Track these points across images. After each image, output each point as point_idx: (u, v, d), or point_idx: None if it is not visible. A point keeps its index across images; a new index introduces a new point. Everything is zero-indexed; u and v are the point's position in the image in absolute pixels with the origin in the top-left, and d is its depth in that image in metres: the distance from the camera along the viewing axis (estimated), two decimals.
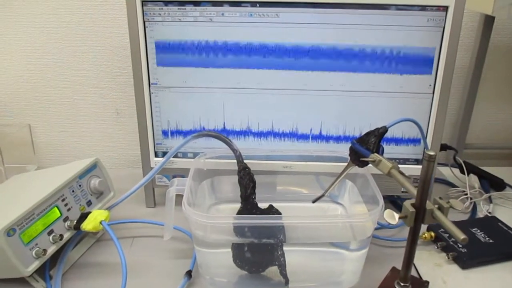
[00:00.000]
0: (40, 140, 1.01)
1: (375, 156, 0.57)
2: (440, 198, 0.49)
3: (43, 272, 0.61)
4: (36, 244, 0.57)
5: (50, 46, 0.92)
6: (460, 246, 0.66)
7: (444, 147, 0.92)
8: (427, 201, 0.49)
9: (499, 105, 1.02)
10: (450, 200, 0.50)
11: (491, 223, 0.73)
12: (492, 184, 0.87)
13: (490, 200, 0.83)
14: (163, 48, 0.70)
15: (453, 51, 0.68)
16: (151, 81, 0.73)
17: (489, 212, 0.79)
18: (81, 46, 0.93)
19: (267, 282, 0.60)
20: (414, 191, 0.51)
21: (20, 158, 0.97)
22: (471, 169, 0.89)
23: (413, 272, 0.56)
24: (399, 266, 0.57)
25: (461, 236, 0.44)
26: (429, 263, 0.65)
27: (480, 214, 0.79)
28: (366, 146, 0.60)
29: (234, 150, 0.67)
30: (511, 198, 0.84)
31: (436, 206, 0.49)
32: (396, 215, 0.49)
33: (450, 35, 0.67)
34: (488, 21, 0.88)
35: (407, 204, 0.50)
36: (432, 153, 0.47)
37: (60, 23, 0.91)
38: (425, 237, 0.69)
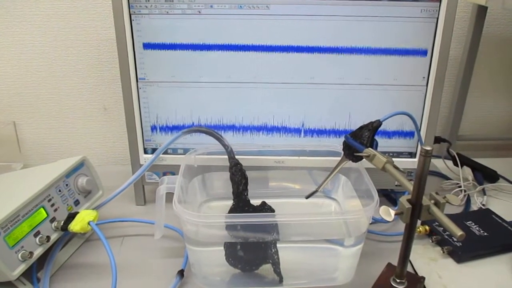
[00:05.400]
0: (25, 137, 0.98)
1: (369, 150, 0.56)
2: (437, 193, 0.48)
3: (30, 274, 0.60)
4: (22, 246, 0.56)
5: (34, 40, 0.90)
6: (455, 240, 0.65)
7: (437, 140, 0.91)
8: (423, 197, 0.48)
9: (492, 96, 1.02)
10: (446, 195, 0.49)
11: (485, 216, 0.72)
12: (485, 176, 0.87)
13: (483, 192, 0.83)
14: (150, 44, 0.69)
15: (447, 42, 0.67)
16: (138, 76, 0.71)
17: (483, 204, 0.79)
18: (66, 40, 0.90)
19: (260, 280, 0.59)
20: (409, 186, 0.50)
21: (5, 156, 0.95)
22: (465, 161, 0.89)
23: (408, 267, 0.55)
24: (394, 260, 0.56)
25: (459, 232, 0.43)
26: (424, 257, 0.65)
27: (474, 206, 0.79)
28: (359, 141, 0.59)
29: (225, 145, 0.65)
30: (504, 189, 0.84)
31: (433, 201, 0.48)
32: (392, 212, 0.48)
33: (444, 26, 0.66)
34: (481, 12, 0.87)
35: (403, 200, 0.49)
36: (428, 148, 0.45)
37: (43, 17, 0.88)
38: (420, 231, 0.68)
